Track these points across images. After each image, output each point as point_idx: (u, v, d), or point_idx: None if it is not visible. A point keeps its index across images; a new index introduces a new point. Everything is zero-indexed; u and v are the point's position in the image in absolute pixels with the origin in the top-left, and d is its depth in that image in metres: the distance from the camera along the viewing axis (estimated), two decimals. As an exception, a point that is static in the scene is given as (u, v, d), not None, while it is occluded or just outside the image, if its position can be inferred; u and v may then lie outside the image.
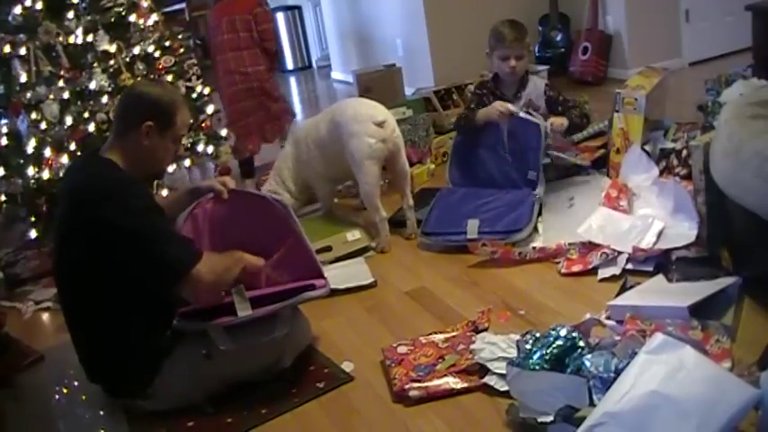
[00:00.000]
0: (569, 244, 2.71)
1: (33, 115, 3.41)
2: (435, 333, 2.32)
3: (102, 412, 2.26)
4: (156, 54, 3.80)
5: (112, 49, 3.61)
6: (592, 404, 1.69)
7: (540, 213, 2.99)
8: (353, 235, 3.12)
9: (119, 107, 2.28)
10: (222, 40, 4.14)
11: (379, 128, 3.03)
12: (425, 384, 2.06)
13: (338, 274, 2.81)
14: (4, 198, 3.48)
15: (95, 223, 2.03)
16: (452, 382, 2.05)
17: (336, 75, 7.41)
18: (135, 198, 2.10)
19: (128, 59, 3.67)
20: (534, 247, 2.77)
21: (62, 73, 3.47)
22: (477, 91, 3.34)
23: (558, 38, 5.57)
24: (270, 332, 2.15)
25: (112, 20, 3.67)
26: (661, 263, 2.48)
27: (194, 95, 3.98)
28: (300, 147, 3.34)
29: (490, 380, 2.01)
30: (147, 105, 2.15)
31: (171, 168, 3.72)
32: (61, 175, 3.34)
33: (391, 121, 3.11)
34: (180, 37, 4.06)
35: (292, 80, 8.08)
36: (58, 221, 2.20)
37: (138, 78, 3.64)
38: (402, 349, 2.24)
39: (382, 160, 3.08)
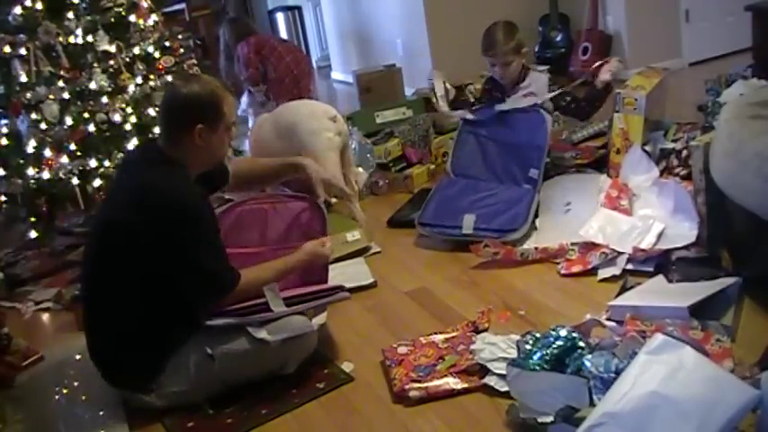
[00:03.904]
0: (572, 244, 2.71)
1: (33, 115, 3.41)
2: (435, 333, 2.32)
3: (102, 412, 2.26)
4: (156, 54, 3.80)
5: (112, 49, 3.60)
6: (592, 404, 1.69)
7: (536, 215, 2.99)
8: (353, 235, 3.12)
9: (163, 113, 2.25)
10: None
11: (333, 122, 3.40)
12: (425, 385, 2.06)
13: (338, 275, 2.81)
14: (4, 198, 3.48)
15: (159, 235, 2.05)
16: (452, 382, 2.05)
17: (336, 75, 7.41)
18: (206, 220, 2.14)
19: (128, 59, 3.66)
20: (536, 248, 2.77)
21: (62, 73, 3.46)
22: (486, 86, 3.46)
23: (558, 38, 5.56)
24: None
25: (112, 20, 3.67)
26: (661, 263, 2.48)
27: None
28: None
29: (490, 380, 2.01)
30: (192, 108, 2.13)
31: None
32: (62, 175, 3.35)
33: (340, 116, 3.49)
34: (180, 37, 4.06)
35: (292, 80, 8.05)
36: (108, 211, 2.20)
37: (138, 78, 3.64)
38: (402, 349, 2.24)
39: (339, 150, 3.41)
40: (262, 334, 2.11)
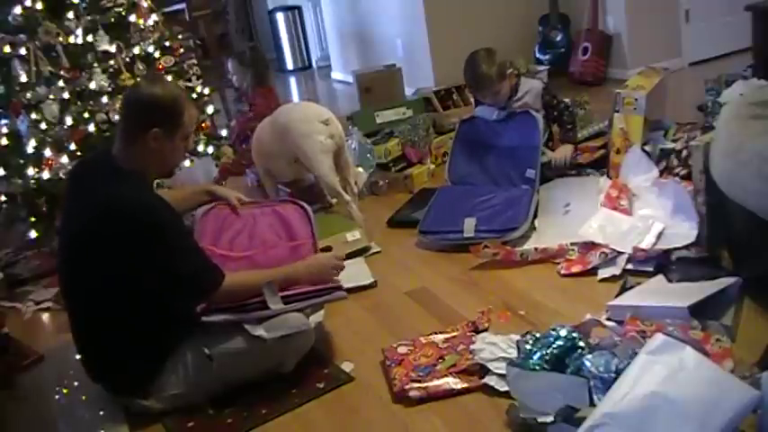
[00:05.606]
0: (571, 244, 2.71)
1: (33, 115, 3.40)
2: (435, 333, 2.32)
3: (102, 412, 2.26)
4: (156, 54, 3.79)
5: (112, 49, 3.60)
6: (592, 404, 1.70)
7: (536, 216, 2.99)
8: (353, 235, 3.12)
9: (123, 113, 2.24)
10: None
11: (326, 125, 3.33)
12: (425, 385, 2.06)
13: (338, 275, 2.81)
14: (4, 198, 3.48)
15: (130, 246, 2.02)
16: (452, 382, 2.05)
17: (336, 75, 7.41)
18: (174, 225, 2.11)
19: (128, 59, 3.66)
20: (536, 248, 2.77)
21: (62, 73, 3.46)
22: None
23: (558, 38, 5.56)
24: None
25: (112, 20, 3.66)
26: (661, 263, 2.48)
27: (194, 95, 3.97)
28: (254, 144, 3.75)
29: (490, 380, 2.01)
30: (151, 111, 2.10)
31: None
32: (62, 175, 3.34)
33: (334, 119, 3.41)
34: (180, 37, 4.06)
35: (292, 80, 8.07)
36: (76, 226, 2.14)
37: (138, 79, 3.64)
38: (402, 349, 2.24)
39: (332, 153, 3.36)
40: (259, 331, 2.10)
